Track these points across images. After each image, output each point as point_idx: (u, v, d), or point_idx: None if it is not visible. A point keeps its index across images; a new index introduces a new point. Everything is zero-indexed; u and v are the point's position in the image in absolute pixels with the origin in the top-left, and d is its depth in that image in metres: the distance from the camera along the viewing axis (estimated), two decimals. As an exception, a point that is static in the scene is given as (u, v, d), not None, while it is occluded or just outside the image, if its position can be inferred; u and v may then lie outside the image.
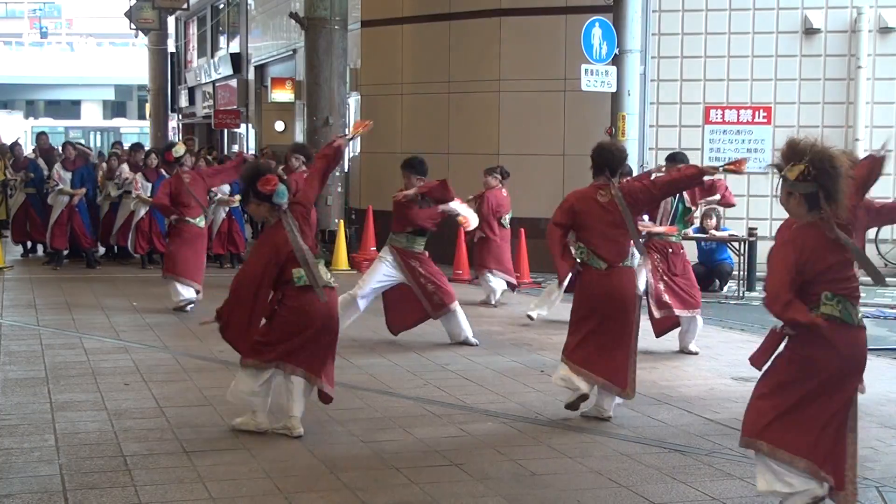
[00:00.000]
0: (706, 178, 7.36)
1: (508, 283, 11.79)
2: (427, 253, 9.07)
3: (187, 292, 10.68)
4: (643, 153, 14.34)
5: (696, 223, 12.88)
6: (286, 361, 6.02)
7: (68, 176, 14.27)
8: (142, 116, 45.34)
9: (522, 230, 13.14)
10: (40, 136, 17.71)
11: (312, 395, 6.94)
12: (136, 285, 12.71)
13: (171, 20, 34.12)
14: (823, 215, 4.47)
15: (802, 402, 4.58)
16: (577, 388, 6.44)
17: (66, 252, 14.60)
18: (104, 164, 15.87)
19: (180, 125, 36.15)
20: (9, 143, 18.59)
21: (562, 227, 6.55)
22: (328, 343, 6.13)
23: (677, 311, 8.73)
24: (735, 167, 6.34)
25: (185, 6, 29.94)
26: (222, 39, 30.89)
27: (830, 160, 4.46)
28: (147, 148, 17.12)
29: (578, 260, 6.55)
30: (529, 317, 10.05)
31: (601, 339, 6.45)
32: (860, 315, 4.60)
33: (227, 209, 14.52)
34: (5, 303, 11.15)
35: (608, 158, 6.59)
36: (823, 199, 4.46)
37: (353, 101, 18.14)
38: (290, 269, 5.96)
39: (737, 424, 6.33)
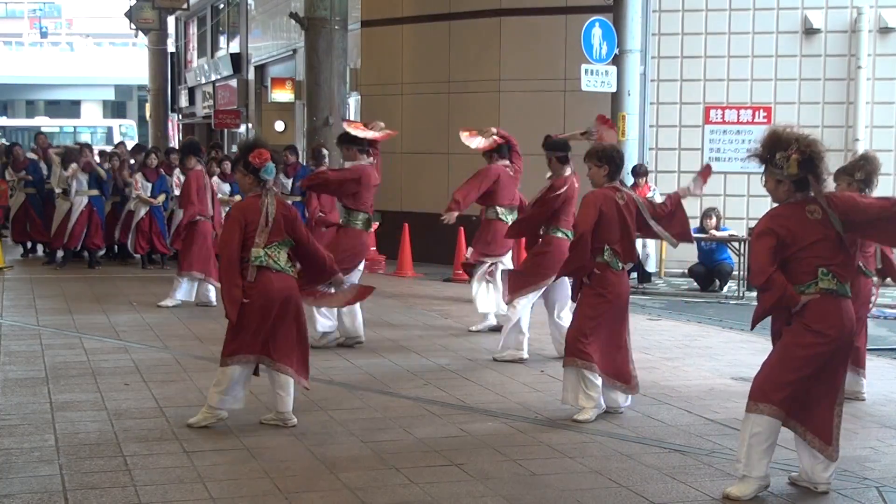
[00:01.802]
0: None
1: None
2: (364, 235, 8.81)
3: (182, 295, 10.93)
4: (643, 153, 14.35)
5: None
6: (263, 354, 6.10)
7: (85, 178, 14.23)
8: (142, 116, 45.33)
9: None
10: (38, 136, 17.71)
11: (316, 395, 6.96)
12: (136, 285, 12.71)
13: (171, 20, 34.12)
14: (814, 194, 4.92)
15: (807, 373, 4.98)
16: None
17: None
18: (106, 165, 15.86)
19: (180, 125, 36.16)
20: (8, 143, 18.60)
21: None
22: (291, 328, 6.18)
23: None
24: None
25: (185, 6, 29.94)
26: (222, 39, 30.88)
27: (815, 144, 4.89)
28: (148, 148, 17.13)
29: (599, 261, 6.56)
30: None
31: (620, 341, 6.69)
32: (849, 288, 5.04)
33: (227, 209, 14.50)
34: (5, 303, 11.14)
35: (621, 161, 6.74)
36: (813, 181, 4.91)
37: (353, 101, 18.15)
38: (247, 247, 6.04)
39: (737, 424, 6.35)
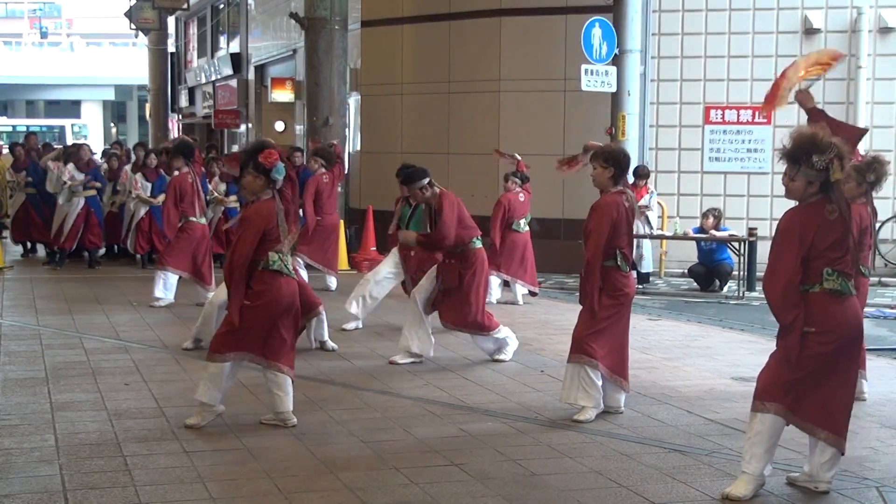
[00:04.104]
0: None
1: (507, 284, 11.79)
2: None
3: (166, 294, 10.90)
4: (643, 153, 14.34)
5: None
6: (258, 354, 6.10)
7: (81, 177, 14.22)
8: (141, 116, 45.29)
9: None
10: (29, 137, 17.72)
11: (316, 395, 6.97)
12: (136, 285, 12.70)
13: (171, 20, 34.11)
14: (834, 195, 4.94)
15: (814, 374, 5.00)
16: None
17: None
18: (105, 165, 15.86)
19: (180, 125, 36.15)
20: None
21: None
22: (289, 331, 6.20)
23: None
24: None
25: (185, 6, 29.93)
26: (222, 39, 30.87)
27: (846, 149, 4.95)
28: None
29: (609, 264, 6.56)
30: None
31: (625, 340, 6.71)
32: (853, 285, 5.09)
33: (223, 209, 14.47)
34: (5, 303, 11.14)
35: (627, 164, 6.71)
36: (840, 186, 4.95)
37: (353, 101, 18.14)
38: (265, 250, 6.03)
39: (737, 424, 6.36)
